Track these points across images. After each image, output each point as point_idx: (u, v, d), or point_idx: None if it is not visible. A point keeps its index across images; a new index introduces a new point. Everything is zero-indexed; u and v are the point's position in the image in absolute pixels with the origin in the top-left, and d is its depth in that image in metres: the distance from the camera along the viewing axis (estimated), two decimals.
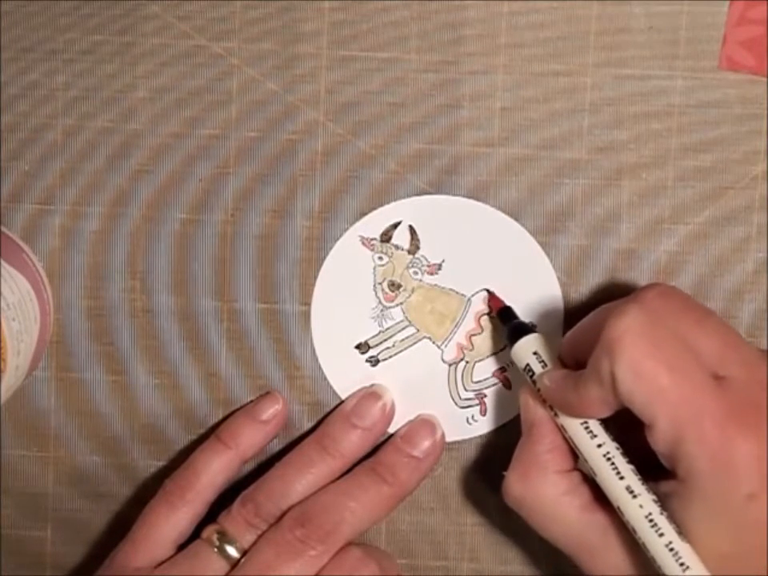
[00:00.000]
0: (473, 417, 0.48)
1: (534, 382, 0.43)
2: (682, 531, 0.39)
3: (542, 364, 0.43)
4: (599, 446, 0.41)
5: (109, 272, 0.48)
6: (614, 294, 0.47)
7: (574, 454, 0.42)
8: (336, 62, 0.47)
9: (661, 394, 0.38)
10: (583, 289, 0.47)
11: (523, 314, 0.47)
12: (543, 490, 0.42)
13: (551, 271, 0.47)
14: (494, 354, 0.48)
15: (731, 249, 0.47)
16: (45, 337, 0.47)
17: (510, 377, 0.48)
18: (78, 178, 0.47)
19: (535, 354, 0.44)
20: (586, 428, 0.41)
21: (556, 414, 0.42)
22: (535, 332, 0.45)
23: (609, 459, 0.41)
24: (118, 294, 0.48)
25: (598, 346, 0.39)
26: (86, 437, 0.49)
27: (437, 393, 0.48)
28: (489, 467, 0.48)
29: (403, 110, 0.47)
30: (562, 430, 0.42)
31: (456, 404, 0.48)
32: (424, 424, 0.47)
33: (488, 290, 0.47)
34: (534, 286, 0.47)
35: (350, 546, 0.45)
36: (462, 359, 0.48)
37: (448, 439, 0.48)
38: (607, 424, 0.42)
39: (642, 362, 0.39)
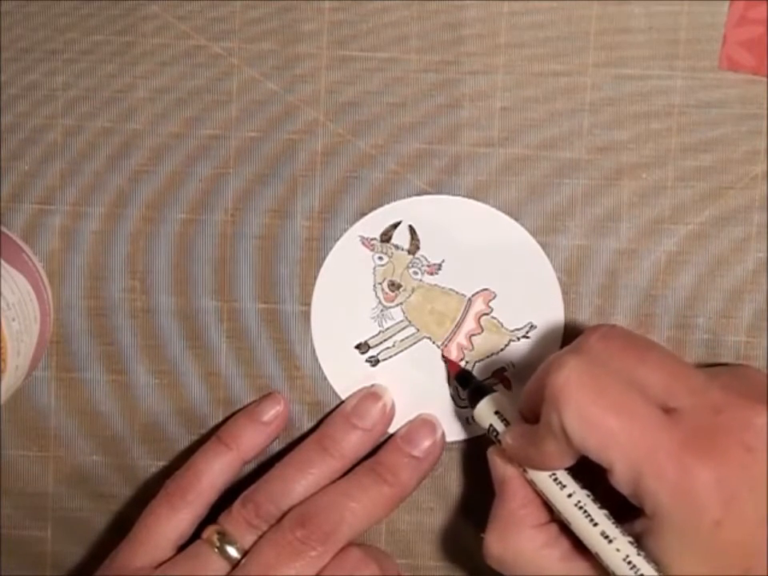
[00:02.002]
0: (473, 417, 0.48)
1: (500, 441, 0.44)
2: (660, 568, 0.39)
3: (505, 422, 0.44)
4: (569, 495, 0.41)
5: (109, 272, 0.48)
6: (614, 293, 0.47)
7: (549, 506, 0.43)
8: (336, 62, 0.47)
9: (612, 437, 0.39)
10: (583, 289, 0.47)
11: (523, 314, 0.47)
12: (522, 546, 0.42)
13: (551, 271, 0.47)
14: (494, 354, 0.48)
15: (731, 249, 0.47)
16: (45, 337, 0.47)
17: (510, 377, 0.48)
18: (77, 178, 0.47)
19: (497, 413, 0.44)
20: (555, 480, 0.42)
21: (525, 470, 0.43)
22: (495, 391, 0.45)
23: (581, 508, 0.41)
24: (118, 293, 0.48)
25: (545, 401, 0.40)
26: (86, 437, 0.49)
27: (437, 393, 0.48)
28: (489, 467, 0.48)
29: (403, 110, 0.47)
30: (532, 484, 0.43)
31: (456, 404, 0.48)
32: (424, 424, 0.47)
33: (443, 356, 0.47)
34: (534, 286, 0.47)
35: (351, 547, 0.45)
36: (462, 359, 0.48)
37: (448, 439, 0.48)
38: (579, 469, 0.42)
39: (588, 409, 0.39)
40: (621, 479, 0.39)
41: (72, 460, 0.49)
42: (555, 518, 0.43)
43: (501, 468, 0.44)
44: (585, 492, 0.41)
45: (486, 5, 0.46)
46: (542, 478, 0.42)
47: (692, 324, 0.47)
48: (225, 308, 0.48)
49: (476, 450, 0.48)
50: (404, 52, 0.47)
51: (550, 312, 0.47)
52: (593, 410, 0.39)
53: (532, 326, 0.47)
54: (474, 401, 0.45)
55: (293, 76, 0.47)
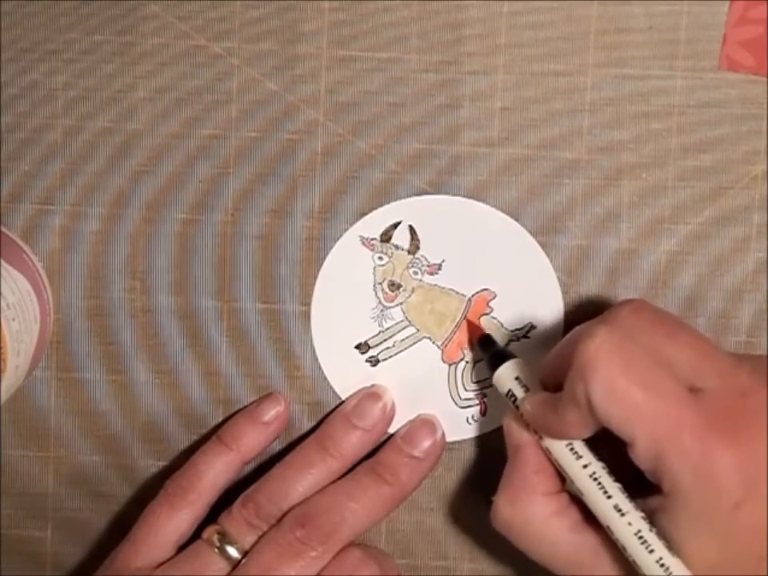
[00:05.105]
0: (473, 417, 0.48)
1: (518, 407, 0.43)
2: (671, 546, 0.39)
3: (524, 388, 0.44)
4: (585, 466, 0.41)
5: (109, 272, 0.48)
6: (614, 293, 0.47)
7: (561, 476, 0.42)
8: (336, 62, 0.47)
9: (637, 411, 0.39)
10: (583, 289, 0.47)
11: (523, 314, 0.47)
12: (532, 512, 0.42)
13: (551, 271, 0.47)
14: None
15: (731, 249, 0.47)
16: (45, 337, 0.47)
17: None
18: (77, 178, 0.47)
19: (517, 378, 0.44)
20: (571, 449, 0.42)
21: (541, 437, 0.42)
22: (516, 357, 0.45)
23: (595, 479, 0.41)
24: (118, 293, 0.48)
25: (572, 369, 0.40)
26: (86, 436, 0.49)
27: (437, 393, 0.48)
28: (489, 467, 0.48)
29: (403, 110, 0.47)
30: (547, 452, 0.42)
31: (456, 404, 0.48)
32: (424, 424, 0.47)
33: (468, 319, 0.47)
34: (534, 286, 0.47)
35: (351, 547, 0.45)
36: (461, 359, 0.48)
37: (448, 439, 0.48)
38: (595, 441, 0.41)
39: (616, 381, 0.39)
40: (641, 454, 0.39)
41: (72, 460, 0.49)
42: (566, 488, 0.43)
43: (516, 433, 0.43)
44: (600, 464, 0.41)
45: (486, 5, 0.46)
46: (558, 447, 0.42)
47: (692, 324, 0.47)
48: (225, 308, 0.48)
49: (476, 450, 0.48)
50: (404, 52, 0.47)
51: (550, 312, 0.47)
52: (620, 381, 0.39)
53: (532, 326, 0.47)
54: (494, 365, 0.45)
55: (293, 76, 0.47)
